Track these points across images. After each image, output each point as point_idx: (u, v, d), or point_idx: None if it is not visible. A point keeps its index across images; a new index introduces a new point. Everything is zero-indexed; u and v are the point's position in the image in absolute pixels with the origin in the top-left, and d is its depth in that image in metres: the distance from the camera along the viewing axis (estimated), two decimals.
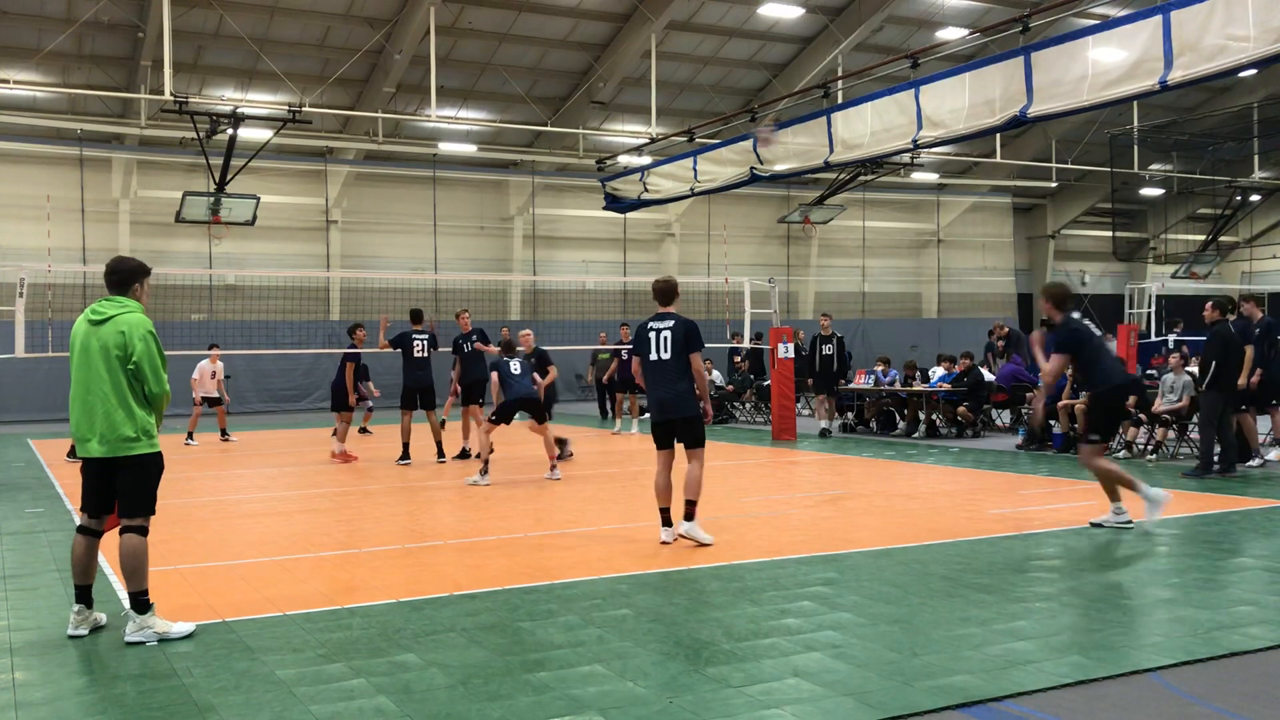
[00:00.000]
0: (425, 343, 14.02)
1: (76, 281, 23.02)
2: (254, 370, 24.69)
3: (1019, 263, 36.58)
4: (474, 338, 14.42)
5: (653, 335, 7.98)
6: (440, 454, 14.02)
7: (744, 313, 19.51)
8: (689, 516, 7.90)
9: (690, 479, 7.94)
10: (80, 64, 23.12)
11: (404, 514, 9.78)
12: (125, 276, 5.81)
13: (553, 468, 12.14)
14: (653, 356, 8.01)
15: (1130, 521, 8.37)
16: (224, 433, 17.96)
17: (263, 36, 23.01)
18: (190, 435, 17.18)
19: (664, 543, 7.97)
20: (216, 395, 17.89)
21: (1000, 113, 11.98)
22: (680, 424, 8.00)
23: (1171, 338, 20.00)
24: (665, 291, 8.18)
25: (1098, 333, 8.83)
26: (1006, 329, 20.18)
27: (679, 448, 8.15)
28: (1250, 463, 12.21)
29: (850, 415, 18.34)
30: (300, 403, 25.46)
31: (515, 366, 12.06)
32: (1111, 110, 22.57)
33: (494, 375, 12.15)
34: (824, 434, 17.14)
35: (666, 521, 8.04)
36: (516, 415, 12.30)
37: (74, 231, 24.02)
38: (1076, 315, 8.79)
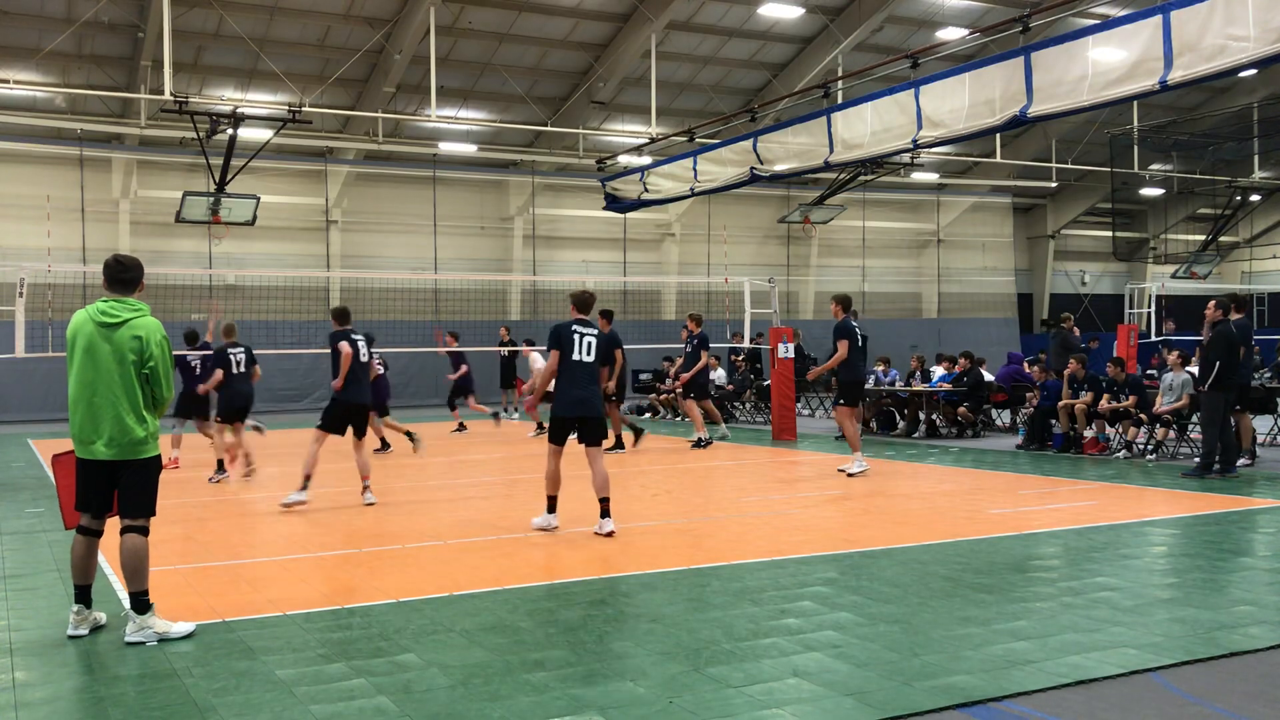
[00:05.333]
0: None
1: (76, 281, 23.02)
2: None
3: (1019, 263, 36.58)
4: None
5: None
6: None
7: (744, 313, 19.51)
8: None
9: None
10: (80, 64, 23.12)
11: (404, 514, 9.77)
12: (135, 275, 5.81)
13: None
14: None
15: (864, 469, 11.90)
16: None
17: (263, 36, 23.01)
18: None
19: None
20: None
21: (1000, 113, 11.99)
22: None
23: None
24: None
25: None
26: (1070, 318, 18.19)
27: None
28: (1240, 460, 12.19)
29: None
30: (300, 402, 25.43)
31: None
32: (1111, 110, 22.59)
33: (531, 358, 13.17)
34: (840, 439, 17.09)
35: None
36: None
37: (74, 231, 24.03)
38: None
